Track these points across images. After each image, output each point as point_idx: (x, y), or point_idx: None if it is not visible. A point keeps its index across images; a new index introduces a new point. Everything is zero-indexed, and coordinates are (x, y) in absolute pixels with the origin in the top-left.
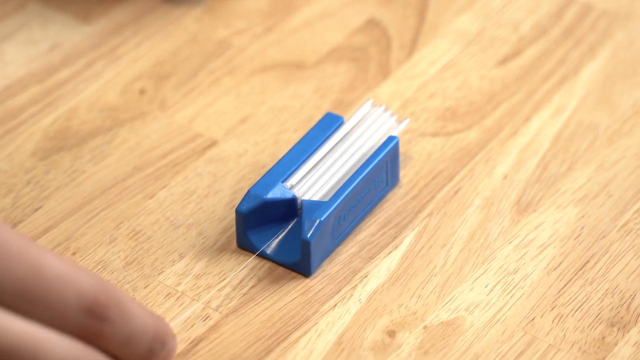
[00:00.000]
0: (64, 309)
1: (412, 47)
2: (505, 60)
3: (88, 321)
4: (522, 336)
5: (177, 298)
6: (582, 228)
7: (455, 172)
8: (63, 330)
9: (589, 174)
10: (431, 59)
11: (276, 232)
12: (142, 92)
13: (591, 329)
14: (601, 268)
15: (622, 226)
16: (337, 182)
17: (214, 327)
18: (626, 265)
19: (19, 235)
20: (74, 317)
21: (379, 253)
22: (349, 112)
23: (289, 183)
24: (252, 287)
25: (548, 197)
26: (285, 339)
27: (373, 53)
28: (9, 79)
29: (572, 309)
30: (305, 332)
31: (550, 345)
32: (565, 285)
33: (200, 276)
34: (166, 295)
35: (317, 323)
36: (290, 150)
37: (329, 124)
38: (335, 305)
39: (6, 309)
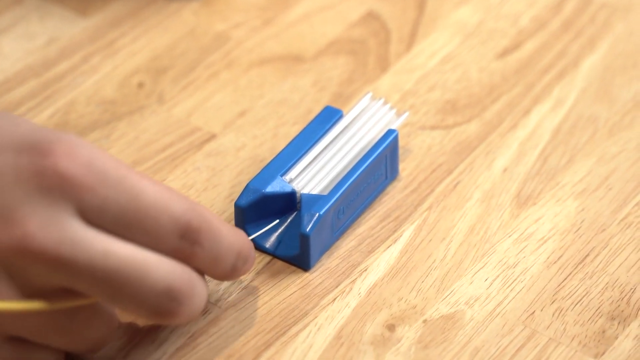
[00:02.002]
0: (160, 233)
1: (411, 39)
2: (504, 52)
3: (181, 244)
4: (522, 330)
5: None
6: (582, 221)
7: (455, 165)
8: (159, 252)
9: (589, 167)
10: (430, 51)
11: (275, 226)
12: (140, 85)
13: (591, 322)
14: (601, 261)
15: (622, 219)
16: (336, 176)
17: (213, 322)
18: (626, 258)
19: (117, 161)
20: (168, 240)
21: (379, 247)
22: (348, 106)
23: (288, 177)
24: (251, 281)
25: (548, 190)
26: (284, 333)
27: (372, 46)
28: (6, 72)
29: (572, 303)
30: (305, 326)
31: (550, 339)
32: (565, 279)
33: None
34: None
35: (316, 317)
36: (289, 144)
37: (328, 117)
38: (335, 299)
39: (107, 234)
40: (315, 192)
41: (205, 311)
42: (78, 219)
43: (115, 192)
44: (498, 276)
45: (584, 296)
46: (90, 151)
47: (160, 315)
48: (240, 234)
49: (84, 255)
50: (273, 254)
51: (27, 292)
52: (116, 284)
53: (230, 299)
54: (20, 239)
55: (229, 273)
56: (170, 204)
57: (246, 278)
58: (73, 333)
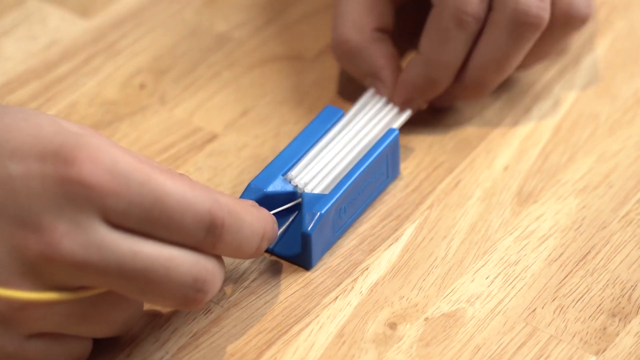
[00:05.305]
0: (185, 232)
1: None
2: None
3: (205, 239)
4: (524, 327)
5: None
6: (583, 219)
7: (456, 163)
8: (183, 246)
9: (589, 165)
10: None
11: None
12: (141, 86)
13: (592, 319)
14: (602, 259)
15: (623, 216)
16: (338, 175)
17: (215, 321)
18: (627, 255)
19: (140, 161)
20: (194, 237)
21: (380, 245)
22: (349, 105)
23: (289, 176)
24: (253, 280)
25: (549, 188)
26: (286, 331)
27: None
28: (8, 74)
29: (573, 300)
30: (307, 325)
31: (551, 336)
32: (566, 276)
33: None
34: None
35: (318, 316)
36: (290, 143)
37: (329, 116)
38: (337, 297)
39: (132, 235)
40: (316, 191)
41: (207, 311)
42: (103, 223)
43: (139, 195)
44: (499, 274)
45: (585, 293)
46: (114, 154)
47: (186, 305)
48: (263, 216)
49: (112, 259)
50: (275, 253)
51: (53, 290)
52: (144, 282)
53: (232, 298)
54: (48, 246)
55: (253, 254)
56: (194, 202)
57: (248, 277)
58: (100, 319)
